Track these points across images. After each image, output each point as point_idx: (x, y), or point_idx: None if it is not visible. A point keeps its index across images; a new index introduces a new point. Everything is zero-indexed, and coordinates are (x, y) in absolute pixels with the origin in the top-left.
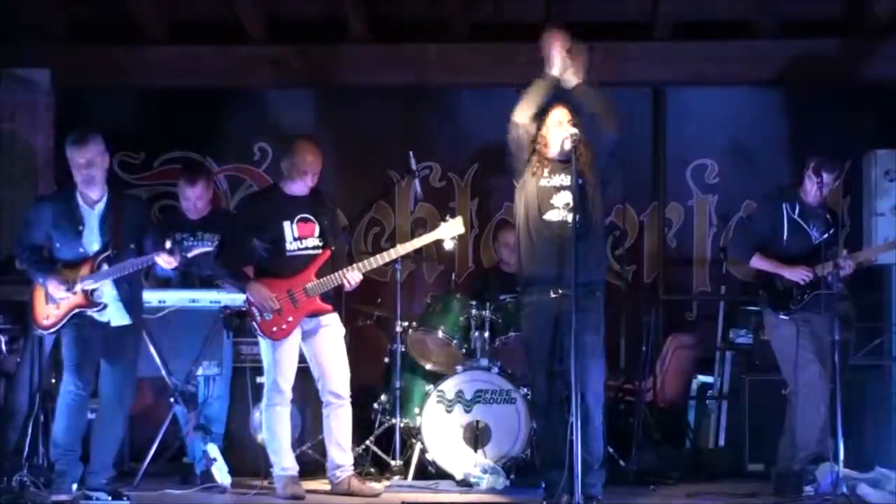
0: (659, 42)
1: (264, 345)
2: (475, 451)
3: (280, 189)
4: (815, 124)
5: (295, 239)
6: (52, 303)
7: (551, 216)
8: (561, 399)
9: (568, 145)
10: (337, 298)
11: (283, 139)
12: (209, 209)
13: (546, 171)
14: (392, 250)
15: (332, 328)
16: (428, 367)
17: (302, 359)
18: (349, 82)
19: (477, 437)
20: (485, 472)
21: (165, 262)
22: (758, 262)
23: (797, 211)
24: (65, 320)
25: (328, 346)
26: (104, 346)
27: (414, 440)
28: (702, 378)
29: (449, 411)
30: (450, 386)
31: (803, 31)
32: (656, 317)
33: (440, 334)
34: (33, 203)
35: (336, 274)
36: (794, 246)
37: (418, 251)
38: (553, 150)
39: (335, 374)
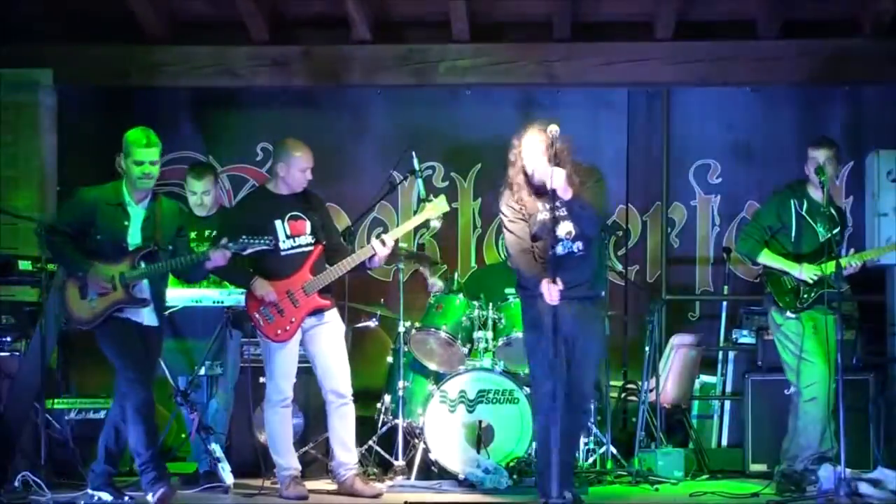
0: (661, 42)
1: (265, 346)
2: (478, 451)
3: (269, 190)
4: (818, 124)
5: (288, 237)
6: (90, 297)
7: (558, 249)
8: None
9: (539, 174)
10: (339, 298)
11: (275, 144)
12: (217, 207)
13: (539, 204)
14: (385, 236)
15: (332, 325)
16: (431, 366)
17: (303, 359)
18: (352, 82)
19: (480, 436)
20: (487, 471)
21: (220, 259)
22: (766, 259)
23: (805, 207)
24: (104, 316)
25: (329, 343)
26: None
27: (417, 440)
28: (704, 378)
29: (452, 411)
30: (452, 386)
31: (806, 31)
32: (659, 316)
33: (443, 334)
34: (77, 190)
35: (361, 251)
36: (802, 242)
37: (422, 254)
38: (535, 178)
39: (336, 373)
